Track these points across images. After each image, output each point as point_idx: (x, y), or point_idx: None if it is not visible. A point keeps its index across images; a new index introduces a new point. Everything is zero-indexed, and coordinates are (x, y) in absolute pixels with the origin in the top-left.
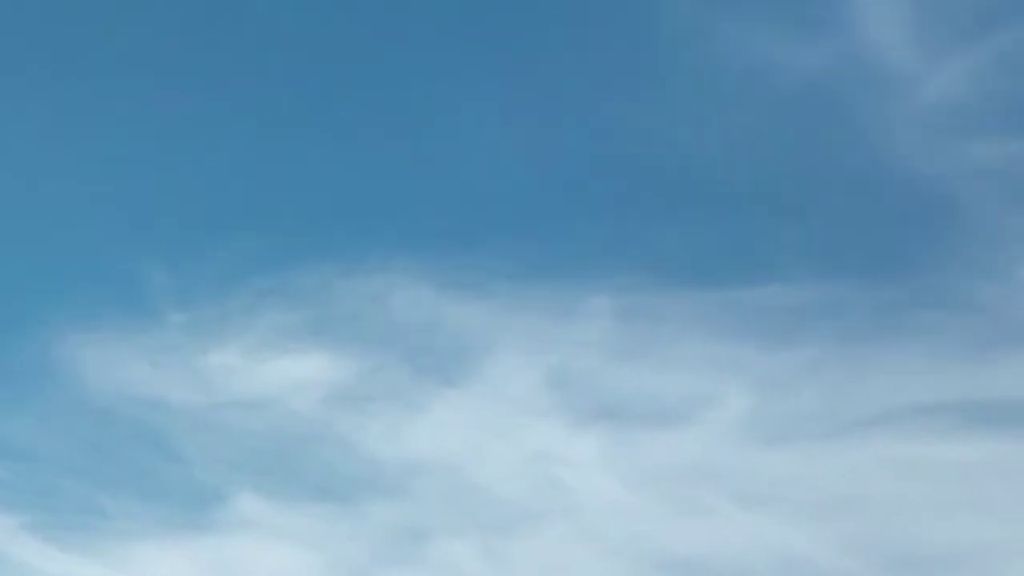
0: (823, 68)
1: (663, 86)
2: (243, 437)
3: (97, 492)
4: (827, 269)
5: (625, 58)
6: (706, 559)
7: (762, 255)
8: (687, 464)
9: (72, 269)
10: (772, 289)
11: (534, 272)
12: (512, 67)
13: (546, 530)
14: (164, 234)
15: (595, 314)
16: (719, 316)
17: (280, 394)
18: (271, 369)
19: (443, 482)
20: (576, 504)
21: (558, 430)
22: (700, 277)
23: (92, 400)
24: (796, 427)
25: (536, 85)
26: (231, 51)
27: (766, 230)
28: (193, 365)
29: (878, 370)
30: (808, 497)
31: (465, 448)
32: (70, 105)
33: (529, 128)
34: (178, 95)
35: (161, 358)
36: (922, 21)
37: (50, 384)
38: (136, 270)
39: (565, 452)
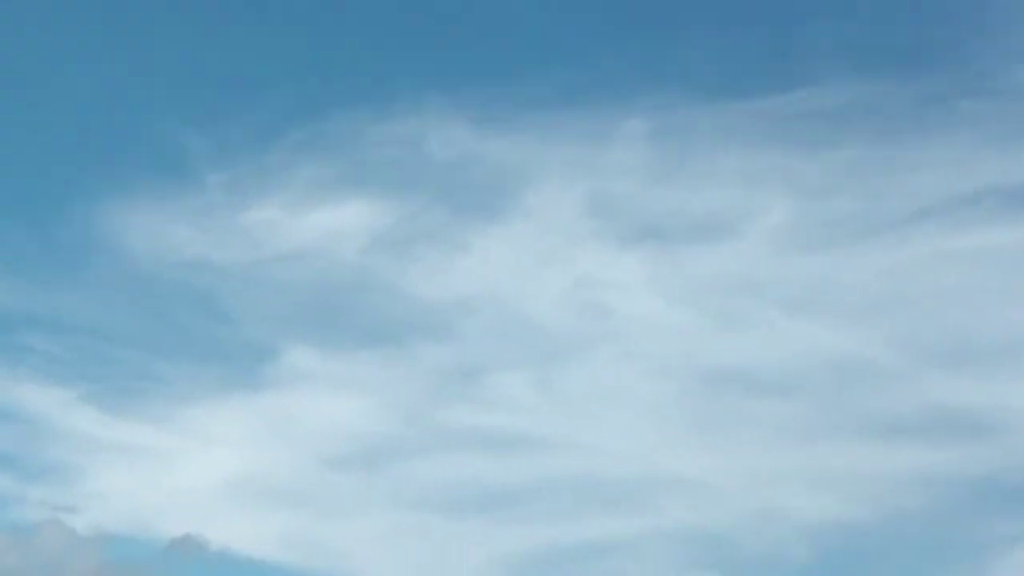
0: None
1: None
2: (289, 290)
3: (150, 358)
4: (861, 68)
5: None
6: (755, 369)
7: (793, 60)
8: (731, 277)
9: (108, 140)
10: (806, 93)
11: (566, 99)
12: None
13: (596, 355)
14: (195, 97)
15: (630, 136)
16: (754, 126)
17: (323, 245)
18: (312, 221)
19: (492, 317)
20: (624, 327)
21: (601, 255)
22: (732, 88)
23: (138, 268)
24: (838, 230)
25: None
26: None
27: (795, 34)
28: (235, 224)
29: (919, 165)
30: (854, 299)
31: (511, 281)
32: None
33: None
34: None
35: (203, 220)
36: None
37: (95, 256)
38: (171, 135)
39: (610, 275)
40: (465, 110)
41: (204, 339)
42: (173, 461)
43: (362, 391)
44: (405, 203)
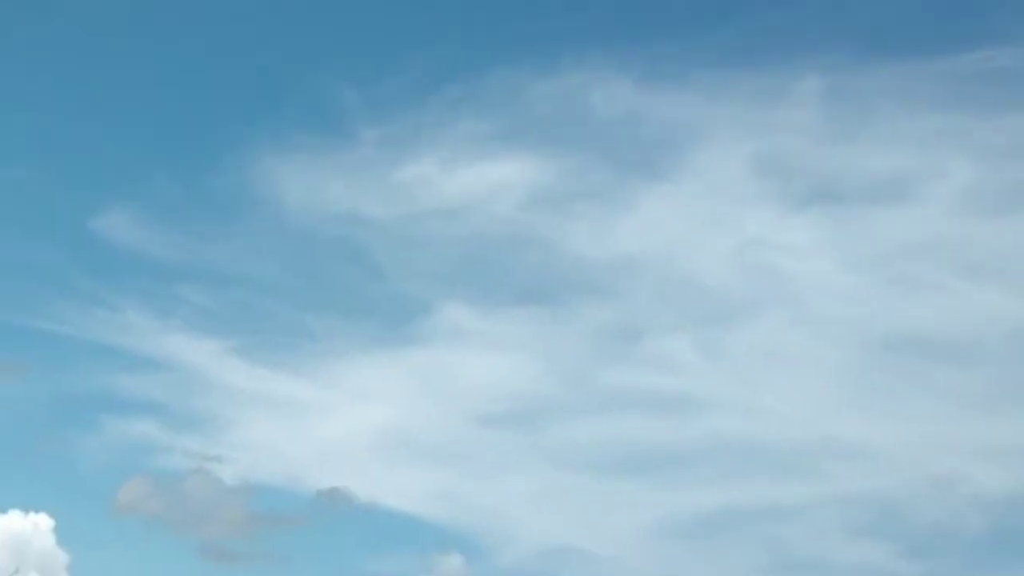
0: None
1: None
2: (444, 246)
3: (302, 312)
4: None
5: None
6: (932, 336)
7: (977, 18)
8: (908, 241)
9: (264, 93)
10: (990, 52)
11: (736, 57)
12: None
13: (763, 319)
14: (352, 51)
15: (803, 95)
16: (935, 86)
17: (479, 200)
18: (468, 177)
19: (654, 278)
20: (793, 290)
21: (771, 216)
22: (912, 47)
23: (292, 222)
24: (1021, 194)
25: None
26: None
27: None
28: (389, 179)
29: None
30: None
31: (675, 242)
32: None
33: None
34: None
35: (357, 174)
36: None
37: (249, 209)
38: (327, 89)
39: (779, 238)
40: (630, 67)
41: (356, 294)
42: (322, 415)
43: (517, 349)
44: (566, 160)
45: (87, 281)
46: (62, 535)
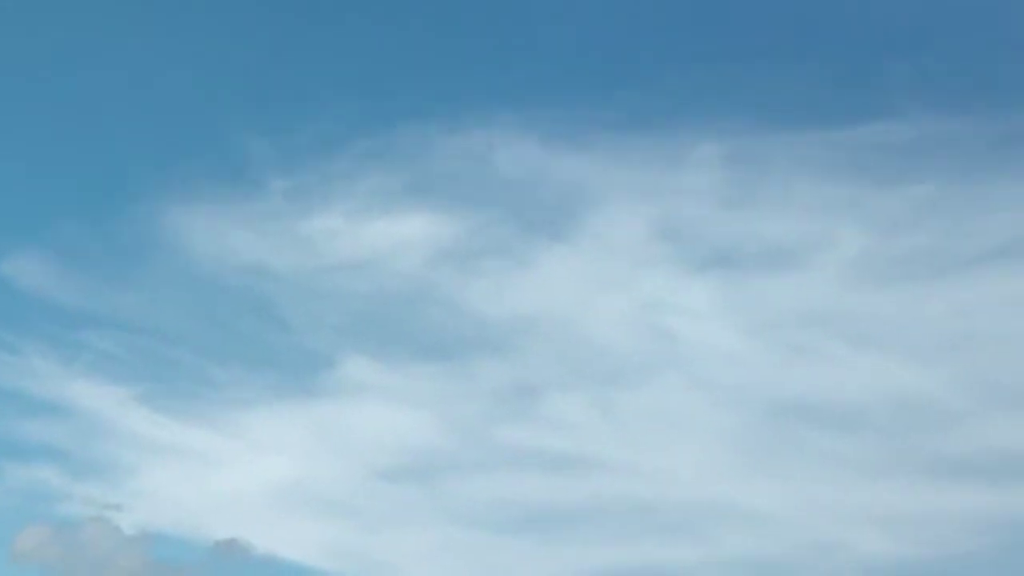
0: None
1: None
2: (349, 300)
3: (206, 361)
4: (943, 103)
5: None
6: (821, 403)
7: (874, 92)
8: (800, 308)
9: (173, 142)
10: (885, 126)
11: (639, 121)
12: None
13: (658, 381)
14: (262, 102)
15: (702, 161)
16: (830, 157)
17: (384, 255)
18: (375, 231)
19: (553, 337)
20: (688, 354)
21: (668, 280)
22: (809, 118)
23: (198, 270)
24: (911, 266)
25: None
26: None
27: (877, 65)
28: (296, 231)
29: (995, 205)
30: (924, 337)
31: (574, 302)
32: None
33: None
34: None
35: (264, 225)
36: None
37: (156, 256)
38: (236, 139)
39: (676, 301)
40: (535, 127)
41: (260, 345)
42: (223, 464)
43: (417, 404)
44: (470, 217)
45: None
46: None
